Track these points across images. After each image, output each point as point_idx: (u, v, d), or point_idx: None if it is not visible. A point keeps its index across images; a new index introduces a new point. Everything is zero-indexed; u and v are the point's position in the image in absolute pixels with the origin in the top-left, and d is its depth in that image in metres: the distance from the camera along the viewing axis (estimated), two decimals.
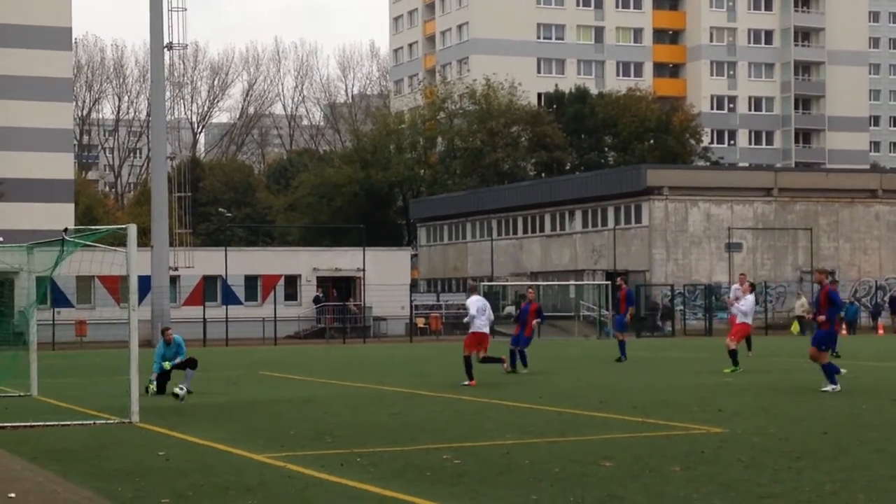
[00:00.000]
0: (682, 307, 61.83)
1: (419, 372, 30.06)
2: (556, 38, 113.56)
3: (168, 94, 69.76)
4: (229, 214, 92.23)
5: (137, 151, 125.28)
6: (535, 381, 25.41)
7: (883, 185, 69.88)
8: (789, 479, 11.63)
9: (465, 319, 25.84)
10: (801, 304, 58.75)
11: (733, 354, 27.10)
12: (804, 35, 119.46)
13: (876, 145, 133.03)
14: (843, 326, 58.56)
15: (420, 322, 61.10)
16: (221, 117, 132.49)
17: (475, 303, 25.03)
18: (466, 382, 23.86)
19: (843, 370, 23.03)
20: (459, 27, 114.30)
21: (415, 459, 13.12)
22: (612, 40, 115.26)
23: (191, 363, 22.29)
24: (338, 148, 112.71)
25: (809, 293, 61.35)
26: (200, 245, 71.15)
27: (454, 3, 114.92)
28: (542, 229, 73.66)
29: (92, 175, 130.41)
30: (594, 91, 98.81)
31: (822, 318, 21.57)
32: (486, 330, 24.78)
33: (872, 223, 68.46)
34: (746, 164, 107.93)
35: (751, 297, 28.21)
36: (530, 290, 30.51)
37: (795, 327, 57.12)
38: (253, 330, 55.78)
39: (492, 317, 25.20)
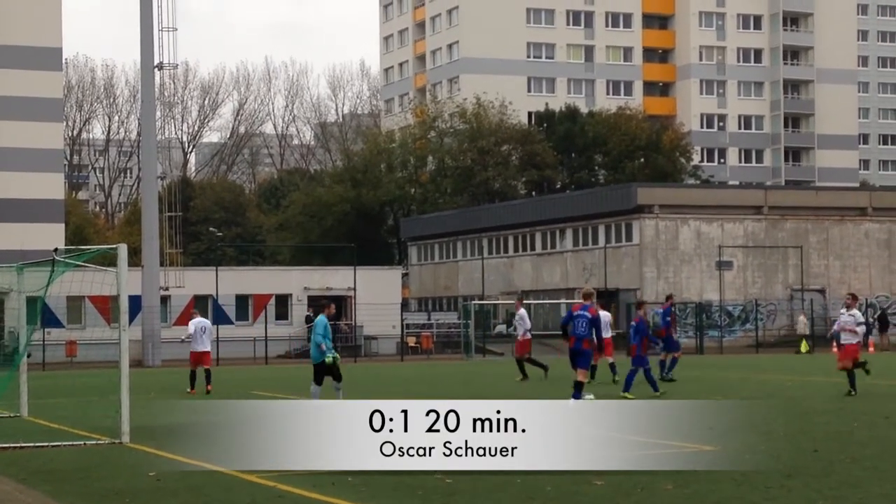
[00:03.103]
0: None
1: (410, 391, 29.98)
2: (547, 57, 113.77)
3: (158, 113, 69.71)
4: (220, 234, 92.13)
5: (128, 171, 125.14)
6: (527, 398, 25.35)
7: (872, 203, 70.00)
8: (780, 497, 11.62)
9: (183, 338, 30.09)
10: (804, 322, 58.88)
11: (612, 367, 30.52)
12: (793, 53, 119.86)
13: (865, 163, 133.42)
14: (835, 346, 58.70)
15: (411, 341, 61.04)
16: (212, 137, 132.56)
17: (196, 324, 28.78)
18: (189, 390, 28.06)
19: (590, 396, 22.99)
20: (450, 46, 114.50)
21: (406, 478, 13.07)
22: (603, 59, 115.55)
23: (338, 376, 22.51)
24: (328, 167, 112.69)
25: (810, 311, 61.40)
26: (191, 265, 71.09)
27: (444, 22, 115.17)
28: (532, 248, 73.68)
29: (82, 195, 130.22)
30: (584, 110, 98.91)
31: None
32: (207, 349, 28.53)
33: (862, 241, 68.58)
34: (736, 183, 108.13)
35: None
36: (643, 304, 28.52)
37: (805, 346, 56.54)
38: (244, 349, 55.58)
39: (212, 336, 29.30)
